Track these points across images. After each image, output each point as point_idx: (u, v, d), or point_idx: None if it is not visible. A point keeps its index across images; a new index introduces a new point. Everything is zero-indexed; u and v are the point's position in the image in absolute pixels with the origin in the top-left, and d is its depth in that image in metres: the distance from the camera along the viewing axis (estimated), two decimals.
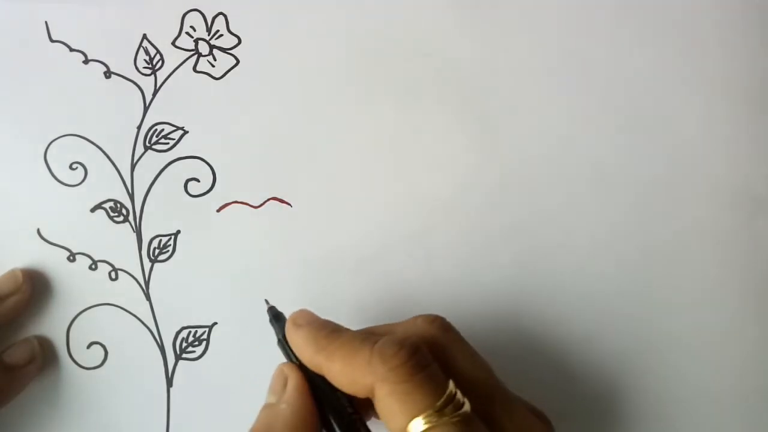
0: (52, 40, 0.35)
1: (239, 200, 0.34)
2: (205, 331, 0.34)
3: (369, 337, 0.27)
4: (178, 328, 0.34)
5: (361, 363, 0.25)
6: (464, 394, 0.25)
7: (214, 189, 0.34)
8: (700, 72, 0.36)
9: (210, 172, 0.34)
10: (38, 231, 0.34)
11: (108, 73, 0.35)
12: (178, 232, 0.34)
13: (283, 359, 0.29)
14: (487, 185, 0.35)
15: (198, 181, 0.34)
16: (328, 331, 0.27)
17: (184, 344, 0.34)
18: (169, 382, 0.33)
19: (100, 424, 0.33)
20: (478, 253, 0.34)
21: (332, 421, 0.26)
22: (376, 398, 0.25)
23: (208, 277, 0.34)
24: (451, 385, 0.25)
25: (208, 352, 0.33)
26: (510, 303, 0.34)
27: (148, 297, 0.34)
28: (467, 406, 0.24)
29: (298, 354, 0.28)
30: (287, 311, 0.29)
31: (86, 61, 0.35)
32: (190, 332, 0.34)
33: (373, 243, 0.34)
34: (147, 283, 0.34)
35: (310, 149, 0.35)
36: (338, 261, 0.34)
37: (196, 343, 0.34)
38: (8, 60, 0.34)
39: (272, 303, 0.31)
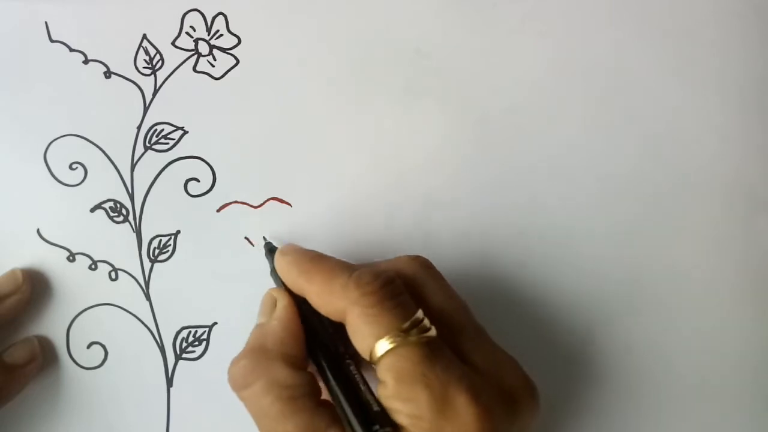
0: (52, 40, 0.35)
1: (239, 200, 0.34)
2: (205, 331, 0.34)
3: (349, 266, 0.28)
4: (178, 328, 0.34)
5: (337, 287, 0.27)
6: (434, 324, 0.26)
7: (214, 189, 0.34)
8: (698, 71, 0.36)
9: (210, 172, 0.34)
10: (38, 231, 0.34)
11: (108, 73, 0.35)
12: (178, 232, 0.34)
13: None
14: (487, 185, 0.35)
15: (198, 181, 0.34)
16: (312, 256, 0.29)
17: (184, 344, 0.34)
18: (169, 382, 0.33)
19: (100, 424, 0.33)
20: (477, 254, 0.34)
21: (314, 340, 0.28)
22: (347, 321, 0.26)
23: (208, 277, 0.34)
24: (420, 312, 0.26)
25: (208, 352, 0.33)
26: (515, 301, 0.34)
27: (148, 297, 0.34)
28: (433, 332, 0.25)
29: (283, 278, 0.29)
30: None
31: (86, 61, 0.35)
32: (190, 332, 0.34)
33: (373, 243, 0.34)
34: (147, 283, 0.34)
35: (310, 149, 0.35)
36: None
37: (196, 343, 0.34)
38: (8, 60, 0.34)
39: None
